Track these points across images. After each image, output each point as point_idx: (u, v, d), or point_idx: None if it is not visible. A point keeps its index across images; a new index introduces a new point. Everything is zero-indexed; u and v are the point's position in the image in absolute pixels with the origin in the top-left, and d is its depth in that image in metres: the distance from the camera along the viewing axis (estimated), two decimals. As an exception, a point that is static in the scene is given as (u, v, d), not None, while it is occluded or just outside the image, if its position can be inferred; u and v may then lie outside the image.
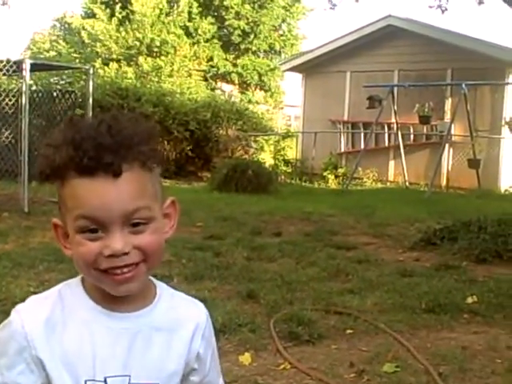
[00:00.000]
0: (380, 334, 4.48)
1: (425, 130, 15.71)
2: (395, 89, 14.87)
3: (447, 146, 14.55)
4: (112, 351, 1.17)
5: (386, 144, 16.46)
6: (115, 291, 1.15)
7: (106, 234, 1.11)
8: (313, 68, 17.78)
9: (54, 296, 1.20)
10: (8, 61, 9.95)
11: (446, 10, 12.59)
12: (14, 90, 11.52)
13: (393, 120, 15.28)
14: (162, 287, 1.27)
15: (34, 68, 10.32)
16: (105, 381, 1.16)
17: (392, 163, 16.36)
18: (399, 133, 15.12)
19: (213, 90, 24.84)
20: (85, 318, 1.18)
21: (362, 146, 15.53)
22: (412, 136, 16.01)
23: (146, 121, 1.21)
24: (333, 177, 16.21)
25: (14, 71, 9.99)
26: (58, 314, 1.17)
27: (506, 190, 14.34)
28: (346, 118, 17.27)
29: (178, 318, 1.25)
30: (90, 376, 1.16)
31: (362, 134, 16.53)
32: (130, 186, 1.11)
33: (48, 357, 1.15)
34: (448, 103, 15.36)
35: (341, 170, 16.49)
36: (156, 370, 1.20)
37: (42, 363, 1.14)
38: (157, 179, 1.18)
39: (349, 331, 4.50)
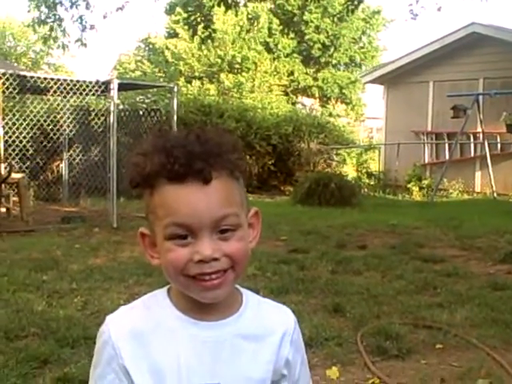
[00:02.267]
0: (471, 349, 4.36)
1: (513, 139, 15.23)
2: (480, 97, 14.49)
3: (537, 154, 14.05)
4: (199, 360, 1.18)
5: (472, 154, 16.06)
6: (202, 298, 1.17)
7: (195, 239, 1.13)
8: (395, 79, 17.58)
9: (140, 306, 1.23)
10: (97, 82, 10.33)
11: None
12: (103, 110, 11.95)
13: (478, 129, 14.89)
14: (248, 295, 1.28)
15: (121, 88, 10.66)
16: None
17: (478, 174, 15.93)
18: (486, 142, 14.72)
19: (294, 104, 24.93)
20: (171, 327, 1.19)
21: (447, 157, 15.20)
22: (499, 145, 15.56)
23: (230, 134, 1.24)
24: (417, 188, 15.93)
25: (102, 91, 10.36)
26: (144, 323, 1.20)
27: None
28: (429, 128, 16.96)
29: (266, 325, 1.25)
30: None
31: (447, 145, 16.20)
32: (219, 192, 1.13)
33: (134, 366, 1.17)
34: (537, 111, 14.84)
35: (425, 182, 16.19)
36: (244, 378, 1.21)
37: (129, 373, 1.17)
38: (242, 188, 1.20)
39: (439, 346, 4.39)
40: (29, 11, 11.79)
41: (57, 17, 11.75)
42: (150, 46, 30.26)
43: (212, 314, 1.20)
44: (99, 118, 11.86)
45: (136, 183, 1.16)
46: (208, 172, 1.11)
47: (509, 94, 14.48)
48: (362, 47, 29.29)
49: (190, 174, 1.11)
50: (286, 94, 25.17)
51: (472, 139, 15.89)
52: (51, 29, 11.73)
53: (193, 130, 1.18)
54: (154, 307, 1.22)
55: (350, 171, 17.49)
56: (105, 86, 10.27)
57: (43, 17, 11.61)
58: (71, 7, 11.73)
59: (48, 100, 11.54)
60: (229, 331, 1.21)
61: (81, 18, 11.80)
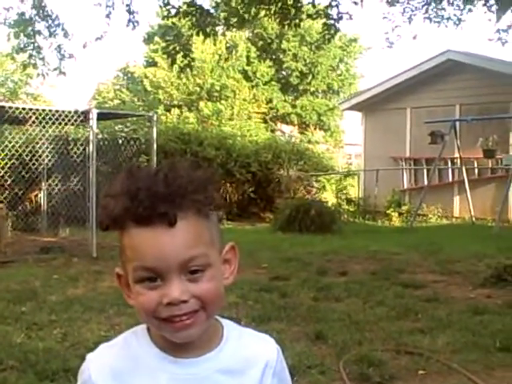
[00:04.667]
0: (454, 374, 4.36)
1: (490, 164, 15.40)
2: (457, 123, 14.68)
3: (514, 179, 14.21)
4: None
5: (450, 179, 16.21)
6: (175, 338, 1.15)
7: (163, 282, 1.12)
8: (372, 106, 17.77)
9: (121, 343, 1.22)
10: (76, 111, 10.31)
11: (507, 42, 12.42)
12: (82, 139, 11.93)
13: (456, 155, 15.06)
14: (229, 327, 1.26)
15: (100, 117, 10.65)
16: None
17: (457, 199, 16.07)
18: (463, 168, 14.88)
19: (273, 131, 25.06)
20: (150, 365, 1.18)
21: (426, 182, 15.33)
22: (476, 170, 15.73)
23: (206, 167, 1.23)
24: (396, 214, 16.02)
25: (81, 121, 10.34)
26: (124, 363, 1.19)
27: None
28: (407, 154, 17.11)
29: (248, 358, 1.23)
30: None
31: (425, 170, 16.34)
32: (185, 234, 1.12)
33: None
34: (513, 136, 15.06)
35: (404, 207, 16.29)
36: None
37: None
38: (214, 225, 1.19)
39: (421, 372, 4.39)
40: (8, 40, 11.77)
41: (35, 45, 11.74)
42: (129, 75, 30.36)
43: (191, 350, 1.19)
44: (78, 148, 11.84)
45: (105, 225, 1.15)
46: (173, 215, 1.10)
47: (485, 119, 14.69)
48: (340, 75, 29.61)
49: (155, 217, 1.10)
50: (265, 122, 25.33)
51: (450, 164, 16.05)
52: (30, 56, 11.72)
53: (162, 168, 1.16)
54: (134, 345, 1.21)
55: (329, 198, 17.54)
56: (84, 116, 10.25)
57: (22, 45, 11.59)
58: (50, 36, 11.72)
59: (27, 130, 11.48)
60: (209, 367, 1.19)
61: (59, 46, 11.79)
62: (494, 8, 11.15)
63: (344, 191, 18.64)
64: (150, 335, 1.21)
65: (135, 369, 1.18)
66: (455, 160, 15.56)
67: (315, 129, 27.41)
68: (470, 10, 12.04)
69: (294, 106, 28.02)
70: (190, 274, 1.13)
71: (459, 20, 12.70)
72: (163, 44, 28.01)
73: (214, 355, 1.20)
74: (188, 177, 1.15)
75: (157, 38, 27.80)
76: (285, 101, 27.81)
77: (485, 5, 11.56)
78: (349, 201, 18.24)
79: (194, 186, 1.14)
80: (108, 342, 1.25)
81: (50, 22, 11.72)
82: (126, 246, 1.15)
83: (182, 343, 1.17)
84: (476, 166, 15.64)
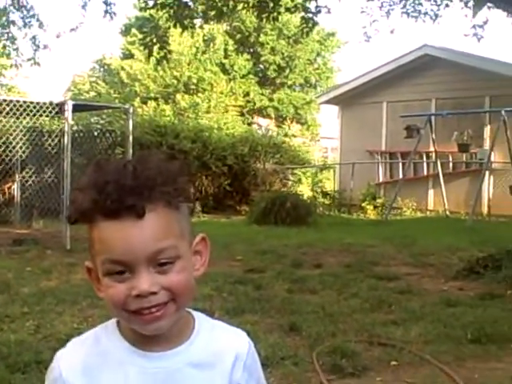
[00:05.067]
0: (426, 365, 4.40)
1: (464, 158, 15.56)
2: (433, 118, 14.79)
3: (487, 173, 14.37)
4: None
5: (425, 173, 16.34)
6: (145, 330, 1.15)
7: (132, 274, 1.11)
8: (349, 100, 17.83)
9: (91, 338, 1.21)
10: (51, 103, 10.21)
11: (482, 37, 12.51)
12: (57, 131, 11.81)
13: (431, 149, 15.18)
14: (201, 319, 1.25)
15: (76, 109, 10.55)
16: None
17: (431, 192, 16.21)
18: (438, 161, 15.00)
19: (249, 124, 25.05)
20: (120, 359, 1.17)
21: (401, 176, 15.44)
22: (451, 164, 15.87)
23: (179, 159, 1.23)
24: (371, 207, 16.11)
25: (56, 112, 10.24)
26: (94, 358, 1.18)
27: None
28: (383, 148, 17.22)
29: (218, 351, 1.23)
30: None
31: (400, 164, 16.45)
32: (154, 226, 1.11)
33: None
34: (487, 130, 15.22)
35: (379, 201, 16.39)
36: None
37: None
38: (184, 217, 1.18)
39: (393, 363, 4.42)
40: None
41: (10, 35, 11.62)
42: (105, 67, 30.13)
43: (161, 343, 1.18)
44: (53, 140, 11.72)
45: (74, 219, 1.15)
46: (140, 207, 1.09)
47: (460, 114, 14.81)
48: (317, 68, 29.65)
49: (123, 209, 1.09)
50: (242, 115, 25.30)
51: (425, 158, 16.18)
52: (4, 46, 11.61)
53: (131, 161, 1.16)
54: (104, 340, 1.20)
55: (305, 191, 17.60)
56: (59, 108, 10.15)
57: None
58: (24, 26, 11.60)
59: (0, 121, 11.35)
60: (179, 360, 1.19)
61: (34, 37, 11.67)
62: (471, 4, 11.23)
63: (320, 184, 18.72)
64: (119, 329, 1.20)
65: (104, 363, 1.17)
66: (430, 154, 15.69)
67: (292, 122, 27.44)
68: (446, 6, 12.10)
69: (271, 100, 28.01)
70: (159, 266, 1.12)
71: (436, 15, 12.77)
72: (140, 36, 27.90)
73: (184, 348, 1.20)
74: (157, 169, 1.14)
75: (134, 30, 27.59)
76: (262, 94, 27.78)
77: (461, 0, 11.63)
78: (324, 194, 18.31)
79: (164, 177, 1.13)
80: (79, 336, 1.24)
81: (25, 12, 11.61)
82: (95, 239, 1.14)
83: (152, 336, 1.16)
84: (451, 160, 15.78)
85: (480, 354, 4.62)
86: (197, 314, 1.25)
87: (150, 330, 1.14)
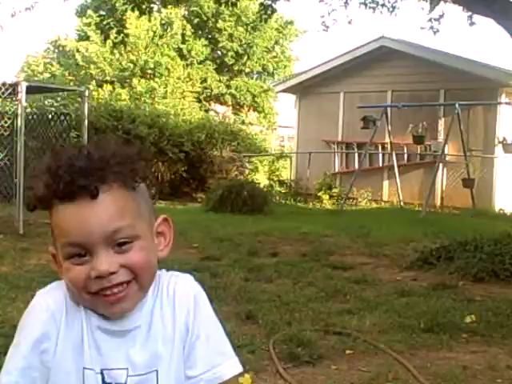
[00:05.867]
0: (380, 354, 4.46)
1: (419, 150, 15.77)
2: (389, 109, 14.94)
3: (441, 165, 14.61)
4: (108, 346, 1.19)
5: (380, 164, 16.51)
6: (109, 312, 1.17)
7: (91, 257, 1.13)
8: (306, 89, 17.88)
9: (63, 296, 1.23)
10: (4, 84, 9.96)
11: (438, 31, 12.68)
12: (9, 113, 11.54)
13: (387, 140, 15.34)
14: (163, 277, 1.27)
15: (29, 90, 10.33)
16: (101, 373, 1.19)
17: (386, 183, 16.40)
18: (393, 153, 15.18)
19: (206, 111, 24.91)
20: (85, 316, 1.20)
21: (357, 166, 15.57)
22: (406, 156, 16.07)
23: (136, 143, 1.25)
24: (327, 197, 16.22)
25: (9, 94, 10.00)
26: (69, 311, 1.21)
27: (500, 209, 14.38)
28: (339, 138, 17.33)
29: (175, 302, 1.26)
30: (89, 365, 1.19)
31: (356, 155, 16.59)
32: (109, 207, 1.12)
33: (63, 338, 1.18)
34: (441, 123, 15.44)
35: (335, 190, 16.51)
36: (153, 359, 1.21)
37: (56, 348, 1.18)
38: (142, 197, 1.19)
39: (348, 351, 4.48)
40: None
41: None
42: (60, 49, 29.54)
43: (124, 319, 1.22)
44: (5, 122, 11.45)
45: (33, 206, 1.17)
46: (94, 187, 1.11)
47: (415, 106, 15.01)
48: (275, 56, 29.60)
49: (76, 191, 1.11)
50: (199, 101, 25.13)
51: (380, 149, 16.34)
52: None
53: (86, 146, 1.18)
54: (70, 299, 1.22)
55: (262, 179, 17.62)
56: (12, 89, 9.92)
57: None
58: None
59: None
60: (133, 322, 1.22)
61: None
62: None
63: (276, 173, 18.77)
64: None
65: (74, 315, 1.20)
66: (386, 145, 15.85)
67: (249, 110, 27.40)
68: (404, -2, 12.22)
69: (228, 87, 27.88)
70: (117, 246, 1.13)
71: (393, 7, 12.90)
72: (97, 18, 27.46)
73: (139, 309, 1.22)
74: (112, 151, 1.16)
75: (90, 12, 27.13)
76: (219, 81, 27.63)
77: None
78: (281, 183, 18.37)
79: (117, 159, 1.15)
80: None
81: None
82: (54, 224, 1.15)
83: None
84: (405, 151, 15.98)
85: (432, 343, 4.71)
86: (162, 272, 1.28)
87: (114, 312, 1.17)
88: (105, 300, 1.14)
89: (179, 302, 1.25)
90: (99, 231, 1.11)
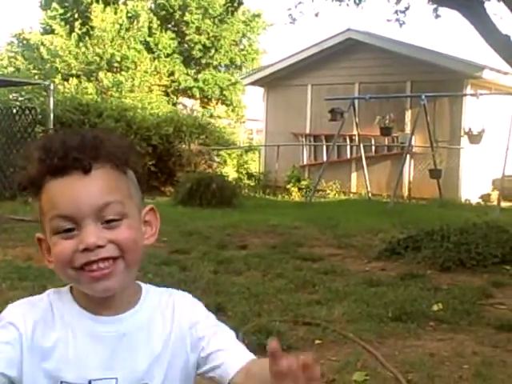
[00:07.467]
0: (349, 343, 4.49)
1: (386, 142, 15.89)
2: (356, 101, 15.01)
3: (408, 157, 14.74)
4: (95, 355, 1.18)
5: (348, 156, 16.61)
6: (93, 290, 1.15)
7: (80, 231, 1.13)
8: (274, 82, 17.88)
9: (45, 301, 1.21)
10: (-34, 77, 9.79)
11: (404, 23, 12.78)
12: (-27, 107, 11.36)
13: (354, 132, 15.42)
14: (149, 288, 1.29)
15: (-7, 84, 10.17)
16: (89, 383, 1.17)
17: (354, 175, 16.50)
18: (361, 145, 15.27)
19: (174, 104, 24.79)
20: (70, 321, 1.19)
21: (325, 159, 15.63)
22: (374, 148, 16.19)
23: (123, 137, 1.29)
24: (296, 189, 16.28)
25: (-28, 87, 9.84)
26: (46, 317, 1.18)
27: (466, 199, 14.58)
28: (308, 130, 17.38)
29: (162, 314, 1.26)
30: (70, 379, 1.16)
31: (325, 147, 16.66)
32: (100, 181, 1.14)
33: (30, 356, 1.15)
34: (408, 115, 15.59)
35: (304, 183, 16.57)
36: (143, 371, 1.20)
37: (22, 363, 1.15)
38: (133, 183, 1.22)
39: (318, 341, 4.50)
40: None
41: None
42: (24, 42, 29.11)
43: (111, 308, 1.20)
44: (-31, 116, 11.27)
45: (24, 186, 1.18)
46: (87, 162, 1.13)
47: (383, 98, 15.11)
48: (243, 49, 29.57)
49: (69, 165, 1.12)
50: (167, 95, 25.00)
51: (348, 141, 16.44)
52: None
53: (82, 130, 1.22)
54: (57, 302, 1.21)
55: (230, 172, 17.61)
56: (-25, 82, 9.76)
57: None
58: None
59: None
60: (127, 326, 1.21)
61: None
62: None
63: (245, 166, 18.77)
64: (72, 294, 1.21)
65: (55, 323, 1.18)
66: (353, 137, 15.94)
67: (217, 103, 27.33)
68: (370, -10, 12.28)
69: (196, 80, 27.78)
70: (106, 223, 1.14)
71: (360, 0, 12.94)
72: (61, 11, 27.11)
73: (132, 313, 1.22)
74: (105, 135, 1.19)
75: (55, 4, 26.77)
76: (187, 74, 27.51)
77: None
78: (250, 175, 18.38)
79: (110, 141, 1.18)
80: (29, 298, 1.24)
81: None
82: (44, 201, 1.16)
83: (103, 301, 1.18)
84: (373, 143, 16.09)
85: (400, 332, 4.76)
86: (145, 285, 1.30)
87: (98, 290, 1.15)
88: (89, 275, 1.13)
89: (179, 308, 1.28)
90: (89, 204, 1.12)
